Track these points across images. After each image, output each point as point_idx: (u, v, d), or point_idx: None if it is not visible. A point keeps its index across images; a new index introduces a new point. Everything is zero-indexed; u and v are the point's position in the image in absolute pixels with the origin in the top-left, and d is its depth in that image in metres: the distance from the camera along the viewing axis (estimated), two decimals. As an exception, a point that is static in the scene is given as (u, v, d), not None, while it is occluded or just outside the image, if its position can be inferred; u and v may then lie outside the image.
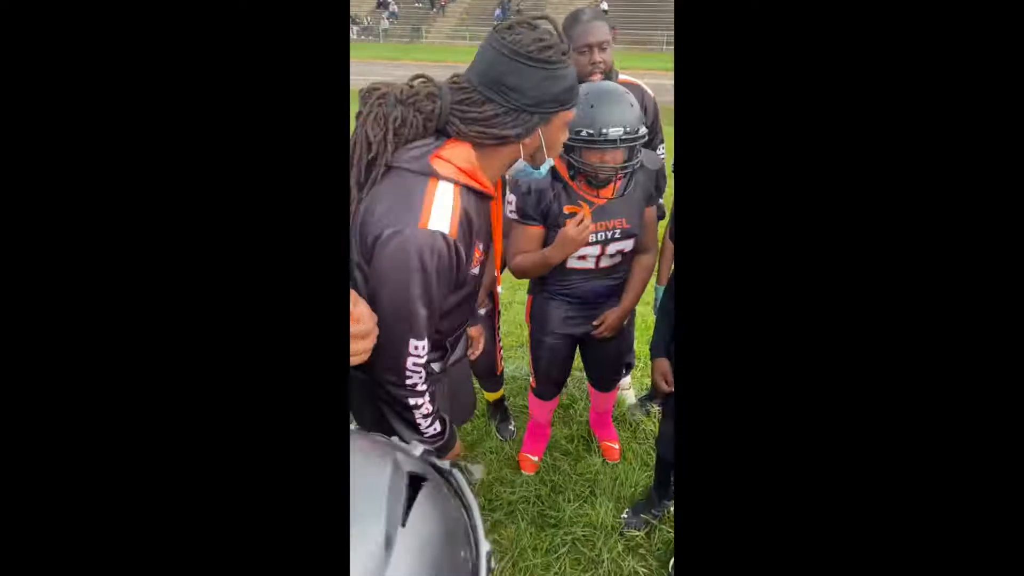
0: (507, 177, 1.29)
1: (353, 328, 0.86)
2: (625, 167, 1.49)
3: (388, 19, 26.10)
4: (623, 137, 1.42)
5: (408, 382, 1.03)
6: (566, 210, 1.57)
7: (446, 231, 0.94)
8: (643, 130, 1.48)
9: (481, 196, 1.05)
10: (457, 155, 0.98)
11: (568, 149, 1.48)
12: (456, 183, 0.97)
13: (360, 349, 0.89)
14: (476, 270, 1.09)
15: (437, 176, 0.96)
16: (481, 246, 1.08)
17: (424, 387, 1.06)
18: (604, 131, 1.41)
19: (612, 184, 1.54)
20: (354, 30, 24.79)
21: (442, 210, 0.95)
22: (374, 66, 15.85)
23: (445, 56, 17.88)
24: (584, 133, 1.43)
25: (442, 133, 1.01)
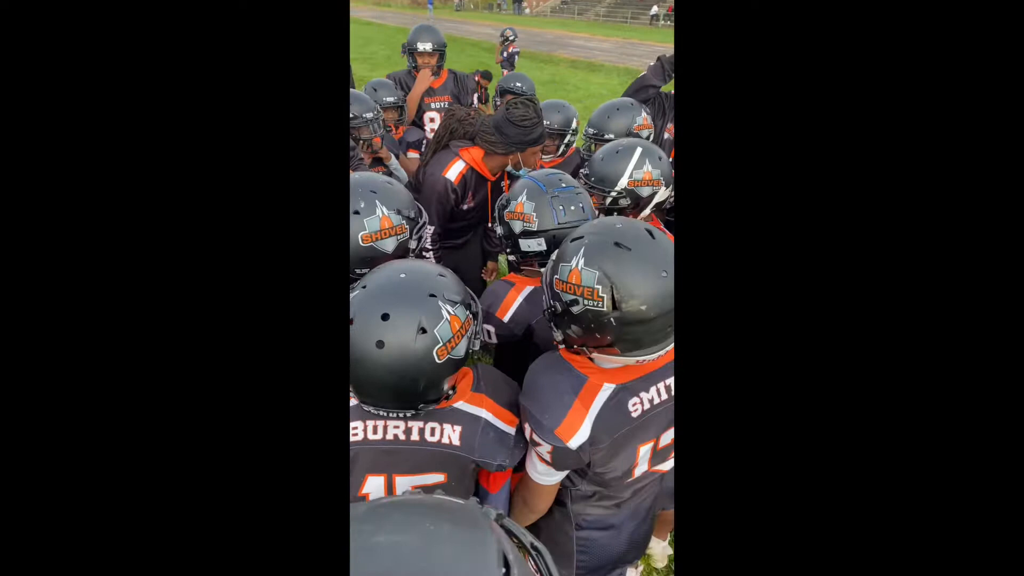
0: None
1: None
2: (562, 147, 2.69)
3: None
4: (551, 130, 2.65)
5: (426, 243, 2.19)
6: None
7: (452, 179, 2.09)
8: (568, 128, 2.60)
9: (481, 176, 2.17)
10: (473, 153, 2.11)
11: None
12: (467, 164, 2.11)
13: None
14: (466, 208, 2.23)
15: (460, 157, 2.11)
16: (472, 196, 2.21)
17: (429, 245, 2.23)
18: (546, 123, 2.38)
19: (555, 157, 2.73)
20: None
21: (454, 170, 2.10)
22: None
23: (610, 32, 18.16)
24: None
25: (472, 141, 2.13)
